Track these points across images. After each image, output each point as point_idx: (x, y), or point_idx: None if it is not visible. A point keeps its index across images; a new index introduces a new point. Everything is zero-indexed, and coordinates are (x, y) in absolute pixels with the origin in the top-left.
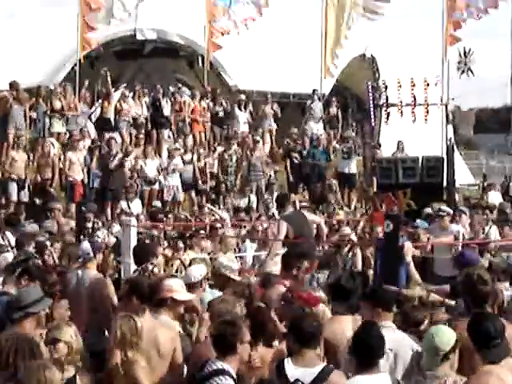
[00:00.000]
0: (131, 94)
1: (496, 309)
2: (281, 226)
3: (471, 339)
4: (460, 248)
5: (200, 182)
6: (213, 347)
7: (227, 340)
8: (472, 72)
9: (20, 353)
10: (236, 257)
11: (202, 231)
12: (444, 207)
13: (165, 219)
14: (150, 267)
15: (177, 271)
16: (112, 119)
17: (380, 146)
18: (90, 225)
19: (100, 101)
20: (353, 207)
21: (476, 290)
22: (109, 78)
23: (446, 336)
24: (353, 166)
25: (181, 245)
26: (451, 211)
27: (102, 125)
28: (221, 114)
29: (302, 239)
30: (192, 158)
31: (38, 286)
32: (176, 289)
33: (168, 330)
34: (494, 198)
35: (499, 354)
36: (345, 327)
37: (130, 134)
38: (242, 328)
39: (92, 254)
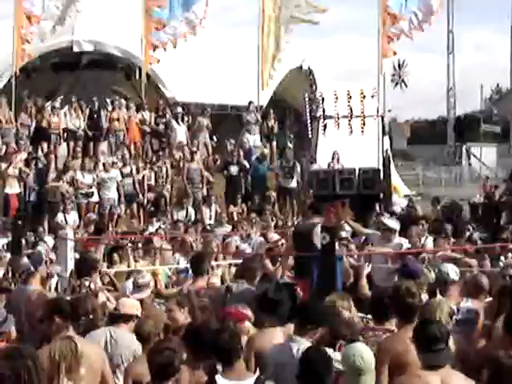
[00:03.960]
0: (67, 106)
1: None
2: None
3: (415, 342)
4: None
5: (139, 194)
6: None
7: (171, 369)
8: (406, 84)
9: None
10: (170, 269)
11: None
12: (387, 221)
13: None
14: (87, 283)
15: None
16: (48, 132)
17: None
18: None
19: (34, 113)
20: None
21: (404, 302)
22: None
23: (366, 356)
24: (293, 181)
25: (116, 258)
26: (394, 226)
27: (38, 138)
28: (161, 126)
29: None
30: (131, 171)
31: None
32: (138, 306)
33: (97, 348)
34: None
35: (440, 360)
36: (274, 339)
37: (68, 146)
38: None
39: (33, 268)
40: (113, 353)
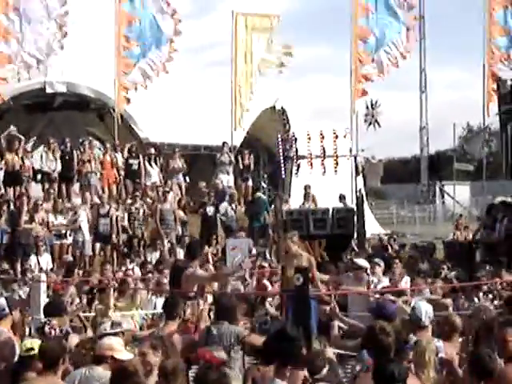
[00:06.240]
0: (41, 148)
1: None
2: None
3: (374, 381)
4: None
5: (113, 235)
6: None
7: None
8: (378, 124)
9: None
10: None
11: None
12: (357, 260)
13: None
14: (47, 327)
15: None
16: (20, 174)
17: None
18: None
19: (6, 155)
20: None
21: (378, 341)
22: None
23: None
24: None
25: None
26: (365, 265)
27: (9, 180)
28: (134, 167)
29: None
30: (109, 211)
31: None
32: (116, 348)
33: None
34: None
35: None
36: None
37: (42, 188)
38: None
39: (8, 311)
40: None
